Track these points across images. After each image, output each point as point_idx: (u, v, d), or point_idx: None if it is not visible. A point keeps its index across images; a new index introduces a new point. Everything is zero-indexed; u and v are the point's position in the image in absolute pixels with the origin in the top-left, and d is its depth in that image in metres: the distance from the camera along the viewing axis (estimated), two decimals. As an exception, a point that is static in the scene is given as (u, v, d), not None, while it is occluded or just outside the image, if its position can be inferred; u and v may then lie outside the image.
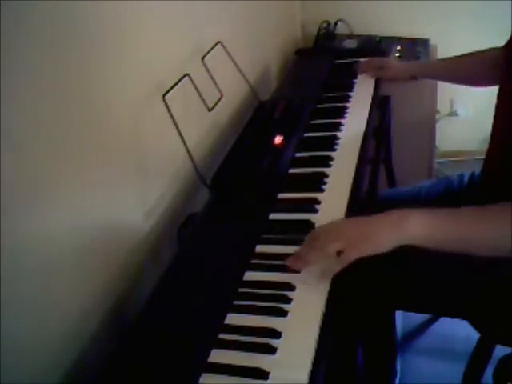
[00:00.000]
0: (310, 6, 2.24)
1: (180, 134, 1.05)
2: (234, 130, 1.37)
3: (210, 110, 1.16)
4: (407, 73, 1.54)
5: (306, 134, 1.30)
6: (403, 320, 1.64)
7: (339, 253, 0.81)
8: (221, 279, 0.87)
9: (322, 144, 1.23)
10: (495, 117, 1.07)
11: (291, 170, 1.16)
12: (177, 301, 0.84)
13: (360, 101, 1.42)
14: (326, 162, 1.15)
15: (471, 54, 1.29)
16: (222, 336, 0.78)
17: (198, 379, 0.71)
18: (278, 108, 1.33)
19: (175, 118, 1.05)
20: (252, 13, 1.67)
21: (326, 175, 1.10)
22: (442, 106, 2.26)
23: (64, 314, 0.83)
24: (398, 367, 1.42)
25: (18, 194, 0.72)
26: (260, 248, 0.94)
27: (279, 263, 0.87)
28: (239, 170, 1.12)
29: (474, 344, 1.13)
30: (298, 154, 1.22)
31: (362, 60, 1.65)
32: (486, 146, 1.13)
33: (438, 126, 2.11)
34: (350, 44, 2.05)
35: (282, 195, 1.07)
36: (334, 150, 1.20)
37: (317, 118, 1.37)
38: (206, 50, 1.24)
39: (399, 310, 1.35)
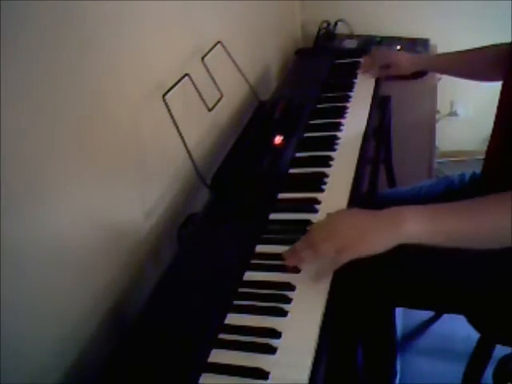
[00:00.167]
0: (310, 5, 2.24)
1: (180, 134, 1.05)
2: (233, 130, 1.37)
3: (210, 110, 1.16)
4: (417, 67, 1.49)
5: (305, 134, 1.30)
6: (403, 320, 1.64)
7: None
8: (221, 279, 0.87)
9: (322, 144, 1.23)
10: (497, 112, 1.07)
11: (291, 170, 1.16)
12: (177, 301, 0.84)
13: (360, 101, 1.42)
14: (325, 161, 1.15)
15: (479, 49, 1.27)
16: (221, 336, 0.78)
17: (198, 379, 0.72)
18: (277, 108, 1.33)
19: (175, 118, 1.05)
20: (252, 13, 1.67)
21: (325, 175, 1.10)
22: (442, 106, 2.26)
23: (64, 314, 0.83)
24: (398, 367, 1.42)
25: (17, 194, 0.72)
26: (260, 248, 0.94)
27: (279, 263, 0.87)
28: (239, 170, 1.12)
29: (474, 344, 1.13)
30: (298, 154, 1.22)
31: (364, 58, 1.64)
32: (485, 146, 1.13)
33: (438, 126, 2.11)
34: (350, 44, 2.05)
35: (281, 195, 1.07)
36: (334, 150, 1.20)
37: (317, 118, 1.37)
38: (206, 50, 1.24)
39: (399, 306, 1.35)
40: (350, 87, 1.50)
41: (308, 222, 0.96)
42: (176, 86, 1.07)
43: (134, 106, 1.00)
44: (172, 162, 1.15)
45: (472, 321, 1.04)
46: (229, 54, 1.31)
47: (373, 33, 2.09)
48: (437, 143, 2.16)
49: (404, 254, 0.80)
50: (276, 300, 0.82)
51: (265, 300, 0.82)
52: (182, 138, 1.06)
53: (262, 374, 0.70)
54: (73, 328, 0.85)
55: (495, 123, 1.09)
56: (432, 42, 2.07)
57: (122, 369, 0.76)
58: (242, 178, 1.10)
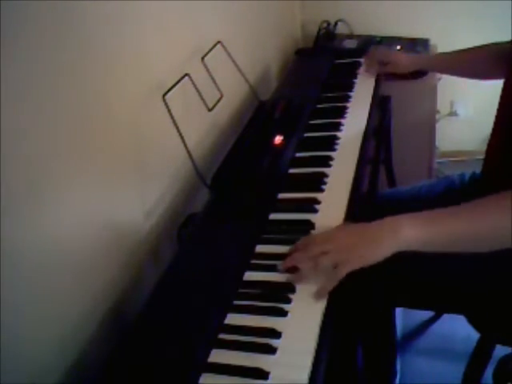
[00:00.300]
0: (310, 5, 2.24)
1: (180, 134, 1.05)
2: (233, 130, 1.37)
3: (210, 109, 1.16)
4: (416, 66, 1.49)
5: (305, 134, 1.30)
6: (403, 320, 1.64)
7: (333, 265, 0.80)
8: (221, 279, 0.87)
9: (322, 144, 1.23)
10: (498, 110, 1.07)
11: (291, 170, 1.16)
12: (177, 301, 0.84)
13: (360, 101, 1.42)
14: (326, 161, 1.15)
15: (479, 47, 1.28)
16: (221, 336, 0.78)
17: (198, 379, 0.71)
18: (278, 108, 1.33)
19: (175, 117, 1.05)
20: (252, 13, 1.67)
21: (325, 175, 1.10)
22: (442, 106, 2.26)
23: (64, 314, 0.83)
24: (398, 367, 1.42)
25: (17, 194, 0.72)
26: (260, 248, 0.94)
27: (279, 263, 0.87)
28: (239, 170, 1.12)
29: (474, 344, 1.13)
30: (297, 154, 1.22)
31: (364, 58, 1.64)
32: (485, 146, 1.13)
33: (438, 126, 2.11)
34: (350, 44, 2.05)
35: (281, 195, 1.07)
36: (334, 150, 1.20)
37: (317, 118, 1.37)
38: (206, 50, 1.24)
39: (399, 306, 1.35)
40: (350, 87, 1.50)
41: (308, 222, 0.96)
42: (176, 86, 1.07)
43: (134, 106, 1.00)
44: (172, 162, 1.15)
45: (472, 321, 1.04)
46: (229, 54, 1.31)
47: (373, 33, 2.09)
48: (437, 143, 2.16)
49: (404, 254, 0.80)
50: (276, 300, 0.81)
51: (265, 300, 0.82)
52: (181, 137, 1.06)
53: (262, 374, 0.70)
54: (73, 328, 0.85)
55: (496, 122, 1.09)
56: (432, 41, 2.07)
57: (122, 369, 0.76)
58: (241, 178, 1.10)
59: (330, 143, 1.22)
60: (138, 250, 1.03)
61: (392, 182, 1.87)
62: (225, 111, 1.39)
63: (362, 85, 1.53)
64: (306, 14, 2.26)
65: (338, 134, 1.26)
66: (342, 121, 1.32)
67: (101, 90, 0.90)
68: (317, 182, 1.08)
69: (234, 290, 0.85)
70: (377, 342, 1.27)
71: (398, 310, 1.51)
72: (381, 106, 1.57)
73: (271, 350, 0.73)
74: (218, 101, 1.20)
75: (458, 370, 1.19)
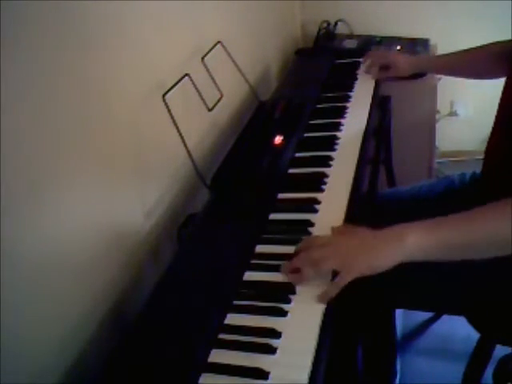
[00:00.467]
0: (310, 5, 2.24)
1: (180, 134, 1.05)
2: (233, 130, 1.37)
3: (210, 109, 1.16)
4: (415, 69, 1.49)
5: (305, 134, 1.30)
6: (403, 320, 1.64)
7: (334, 272, 0.80)
8: (221, 279, 0.87)
9: (322, 144, 1.23)
10: (499, 109, 1.07)
11: (291, 170, 1.16)
12: (177, 301, 0.84)
13: (360, 101, 1.42)
14: (326, 161, 1.15)
15: (480, 47, 1.27)
16: (221, 336, 0.77)
17: (198, 379, 0.71)
18: (278, 108, 1.33)
19: (175, 117, 1.05)
20: (252, 13, 1.67)
21: (325, 175, 1.10)
22: (442, 106, 2.26)
23: (64, 314, 0.83)
24: (398, 367, 1.42)
25: (17, 194, 0.72)
26: (260, 248, 0.94)
27: (279, 263, 0.87)
28: (239, 170, 1.12)
29: (474, 344, 1.13)
30: (297, 154, 1.22)
31: (363, 59, 1.64)
32: (485, 146, 1.13)
33: (438, 126, 2.11)
34: (350, 44, 2.05)
35: (281, 195, 1.07)
36: (334, 149, 1.20)
37: (317, 118, 1.37)
38: (206, 50, 1.24)
39: (399, 308, 1.35)
40: (350, 87, 1.50)
41: (308, 222, 0.96)
42: (176, 86, 1.07)
43: (134, 106, 1.00)
44: (172, 162, 1.15)
45: (472, 321, 1.04)
46: (229, 54, 1.31)
47: (373, 33, 2.09)
48: (437, 143, 2.16)
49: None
50: (276, 300, 0.81)
51: (265, 300, 0.82)
52: (181, 137, 1.06)
53: (262, 374, 0.70)
54: (73, 328, 0.85)
55: (495, 122, 1.08)
56: (432, 41, 2.07)
57: (122, 369, 0.76)
58: (241, 178, 1.10)
59: (330, 143, 1.22)
60: (138, 250, 1.03)
61: (392, 182, 1.87)
62: (225, 111, 1.39)
63: (361, 85, 1.53)
64: (306, 14, 2.26)
65: (338, 134, 1.26)
66: (342, 121, 1.32)
67: (101, 90, 0.90)
68: (317, 182, 1.08)
69: (233, 290, 0.85)
70: (377, 342, 1.27)
71: (398, 311, 1.51)
72: (381, 105, 1.57)
73: (271, 350, 0.73)
74: (218, 101, 1.20)
75: (457, 370, 1.19)
